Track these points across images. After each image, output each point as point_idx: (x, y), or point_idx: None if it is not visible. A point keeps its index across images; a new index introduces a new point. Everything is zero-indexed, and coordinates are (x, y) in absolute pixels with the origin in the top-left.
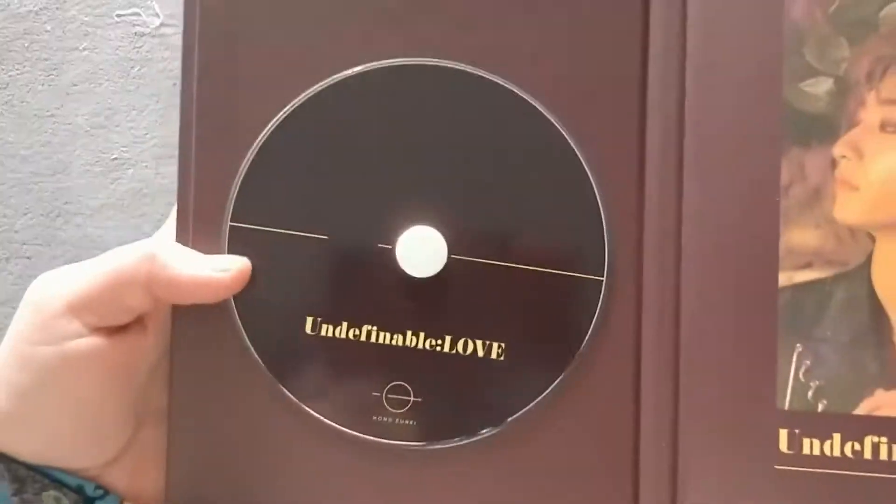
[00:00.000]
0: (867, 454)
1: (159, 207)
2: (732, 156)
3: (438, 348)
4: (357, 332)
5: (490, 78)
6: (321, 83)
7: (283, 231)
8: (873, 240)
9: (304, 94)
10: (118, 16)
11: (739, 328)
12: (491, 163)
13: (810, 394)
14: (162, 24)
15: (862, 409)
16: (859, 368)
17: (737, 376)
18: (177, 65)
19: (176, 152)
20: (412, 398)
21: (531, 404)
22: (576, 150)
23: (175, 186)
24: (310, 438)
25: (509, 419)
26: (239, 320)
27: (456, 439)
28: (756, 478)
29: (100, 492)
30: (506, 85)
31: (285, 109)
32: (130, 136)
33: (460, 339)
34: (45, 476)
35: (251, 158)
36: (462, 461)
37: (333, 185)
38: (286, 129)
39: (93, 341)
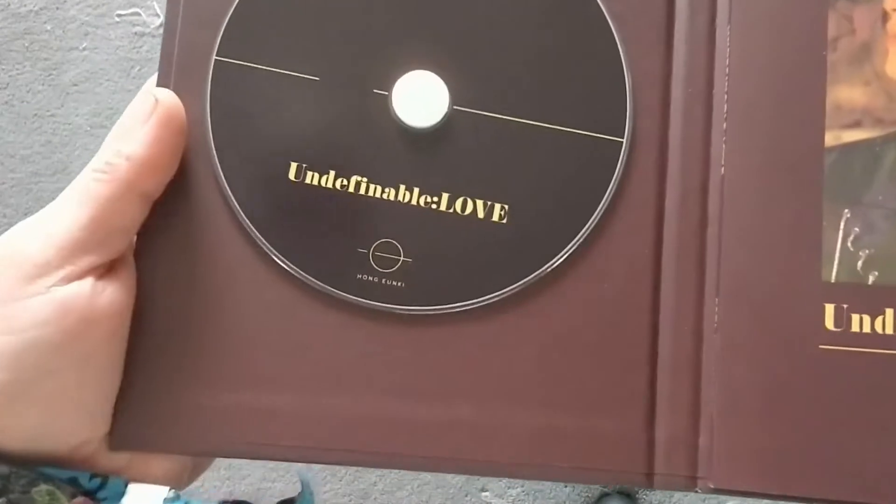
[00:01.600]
0: None
1: None
2: (775, 7)
3: (434, 206)
4: (345, 182)
5: None
6: None
7: (270, 69)
8: None
9: None
10: (118, 16)
11: (779, 193)
12: (503, 7)
13: (860, 264)
14: (162, 24)
15: None
16: None
17: (775, 247)
18: None
19: None
20: (402, 258)
21: (535, 273)
22: None
23: None
24: (288, 296)
25: (510, 288)
26: (218, 164)
27: (447, 306)
28: (798, 360)
29: (96, 481)
30: None
31: None
32: None
33: (459, 197)
34: (31, 470)
35: None
36: (453, 329)
37: (328, 22)
38: None
39: (87, 284)
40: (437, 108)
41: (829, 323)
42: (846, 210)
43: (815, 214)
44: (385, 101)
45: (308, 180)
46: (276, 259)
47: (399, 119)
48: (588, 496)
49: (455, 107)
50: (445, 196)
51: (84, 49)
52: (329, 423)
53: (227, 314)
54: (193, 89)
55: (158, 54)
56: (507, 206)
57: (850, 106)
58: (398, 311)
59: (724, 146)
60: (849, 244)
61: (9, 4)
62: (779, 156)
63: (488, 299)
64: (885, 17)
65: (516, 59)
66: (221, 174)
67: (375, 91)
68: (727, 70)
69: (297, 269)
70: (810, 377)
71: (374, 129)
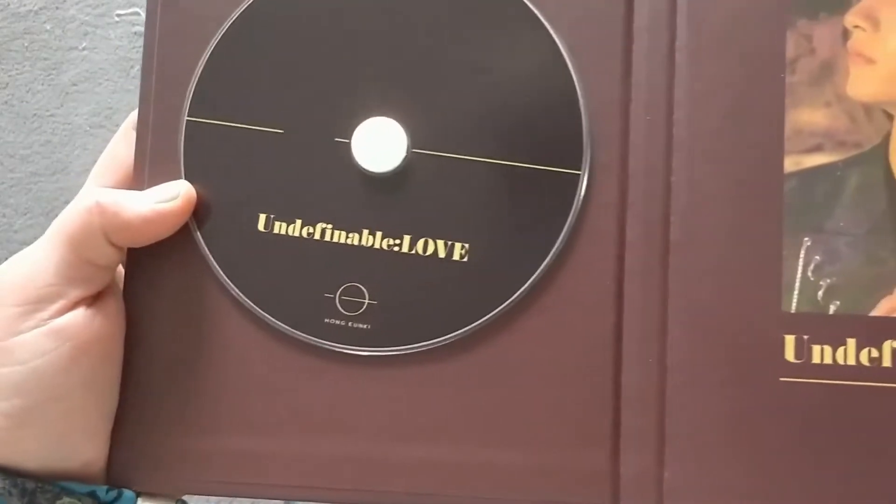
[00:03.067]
0: (886, 361)
1: None
2: (731, 28)
3: (396, 248)
4: (311, 229)
5: None
6: None
7: (237, 125)
8: (891, 118)
9: None
10: (118, 15)
11: (739, 221)
12: (456, 48)
13: (820, 294)
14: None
15: (880, 310)
16: (877, 263)
17: (735, 276)
18: None
19: None
20: (367, 300)
21: (497, 309)
22: (550, 29)
23: None
24: (262, 342)
25: (473, 325)
26: (192, 217)
27: (412, 346)
28: (759, 393)
29: (112, 494)
30: None
31: (244, 3)
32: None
33: (420, 238)
34: (54, 485)
35: (210, 52)
36: (419, 370)
37: (289, 77)
38: (244, 23)
39: (80, 313)
40: (395, 153)
41: (790, 354)
42: (806, 238)
43: (774, 243)
44: (346, 149)
45: (276, 230)
46: (248, 306)
47: (360, 165)
48: None
49: (414, 150)
50: (407, 238)
51: (84, 49)
52: (306, 463)
53: (204, 361)
54: (168, 149)
55: None
56: (467, 245)
57: (810, 129)
58: (365, 354)
59: (684, 174)
60: (809, 273)
61: (8, 4)
62: (738, 183)
63: (451, 338)
64: (845, 34)
65: (471, 99)
66: (195, 227)
67: (337, 139)
68: (686, 95)
69: (269, 316)
70: (772, 410)
71: (337, 176)
